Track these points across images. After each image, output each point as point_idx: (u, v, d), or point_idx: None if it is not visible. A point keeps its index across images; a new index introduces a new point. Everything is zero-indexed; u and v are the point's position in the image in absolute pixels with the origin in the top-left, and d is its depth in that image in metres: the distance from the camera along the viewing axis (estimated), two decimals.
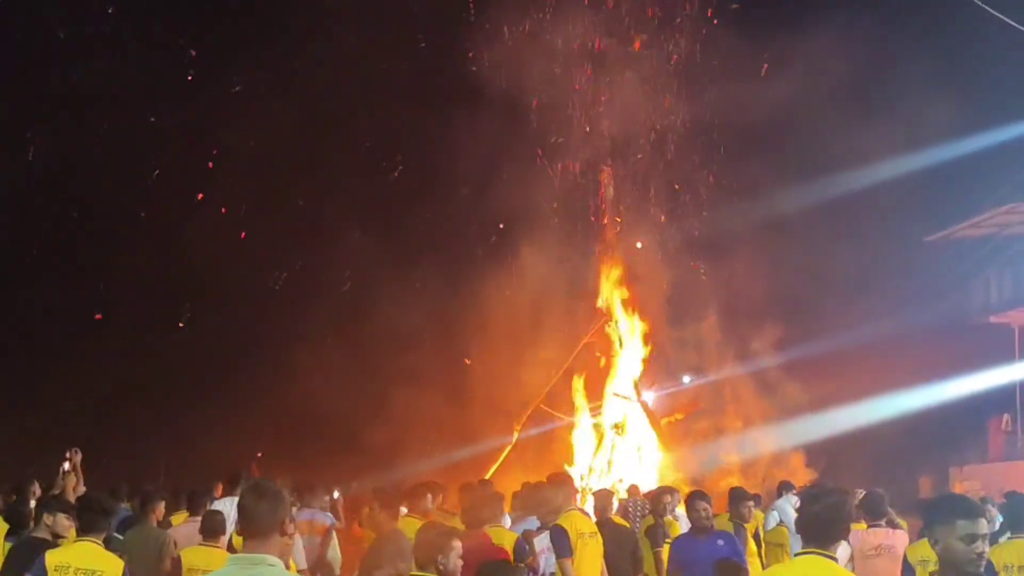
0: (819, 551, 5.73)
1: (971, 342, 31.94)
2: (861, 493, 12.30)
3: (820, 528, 5.82)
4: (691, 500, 11.85)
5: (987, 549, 5.34)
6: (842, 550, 9.67)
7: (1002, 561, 7.46)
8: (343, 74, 30.79)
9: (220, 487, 14.75)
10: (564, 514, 10.86)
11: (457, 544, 7.66)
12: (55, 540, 9.09)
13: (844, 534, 6.06)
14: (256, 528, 5.54)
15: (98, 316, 35.60)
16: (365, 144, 32.36)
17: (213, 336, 33.05)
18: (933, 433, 28.75)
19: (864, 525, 11.90)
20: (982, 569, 5.23)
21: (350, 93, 31.47)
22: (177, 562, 10.50)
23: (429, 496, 12.23)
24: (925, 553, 11.14)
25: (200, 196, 32.91)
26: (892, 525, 11.91)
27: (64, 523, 9.24)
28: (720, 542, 11.22)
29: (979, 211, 30.51)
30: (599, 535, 11.10)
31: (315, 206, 33.02)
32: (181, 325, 33.60)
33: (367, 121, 31.30)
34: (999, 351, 31.92)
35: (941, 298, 32.44)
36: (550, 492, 11.81)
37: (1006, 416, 31.69)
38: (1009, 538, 9.93)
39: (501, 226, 28.69)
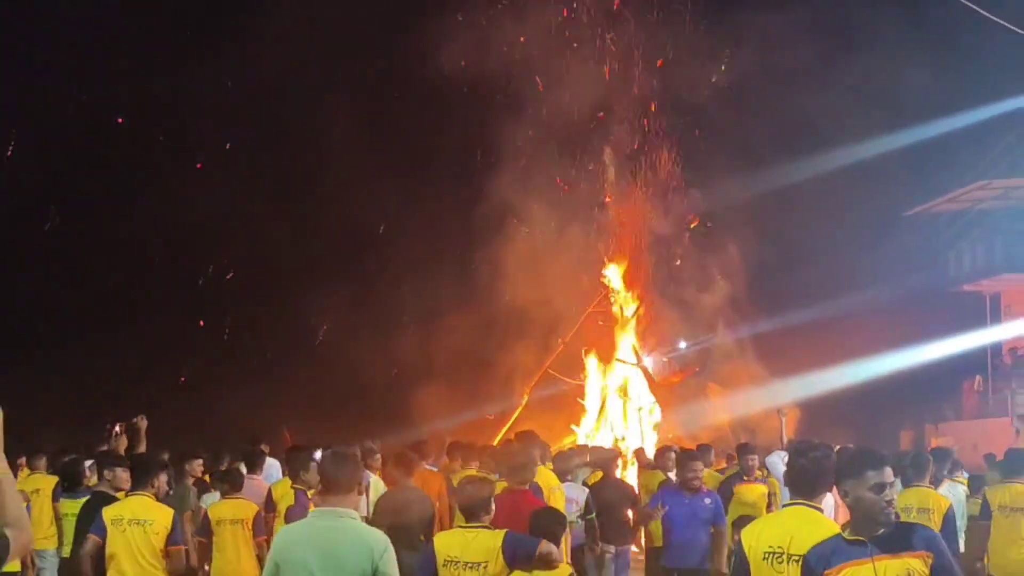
0: (805, 502, 5.84)
1: (946, 309, 31.97)
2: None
3: (806, 481, 5.89)
4: (684, 459, 11.71)
5: (895, 497, 5.29)
6: (827, 501, 9.55)
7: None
8: None
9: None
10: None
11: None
12: (115, 494, 9.07)
13: (828, 487, 5.96)
14: (339, 487, 6.28)
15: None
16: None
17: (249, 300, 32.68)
18: (912, 393, 28.97)
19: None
20: (892, 517, 5.11)
21: None
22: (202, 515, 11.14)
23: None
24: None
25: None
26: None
27: (123, 476, 9.19)
28: (707, 500, 11.02)
29: (955, 187, 30.27)
30: (562, 487, 11.02)
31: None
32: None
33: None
34: (972, 317, 31.85)
35: (919, 268, 32.36)
36: (533, 451, 11.83)
37: (978, 377, 31.51)
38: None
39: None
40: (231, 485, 11.03)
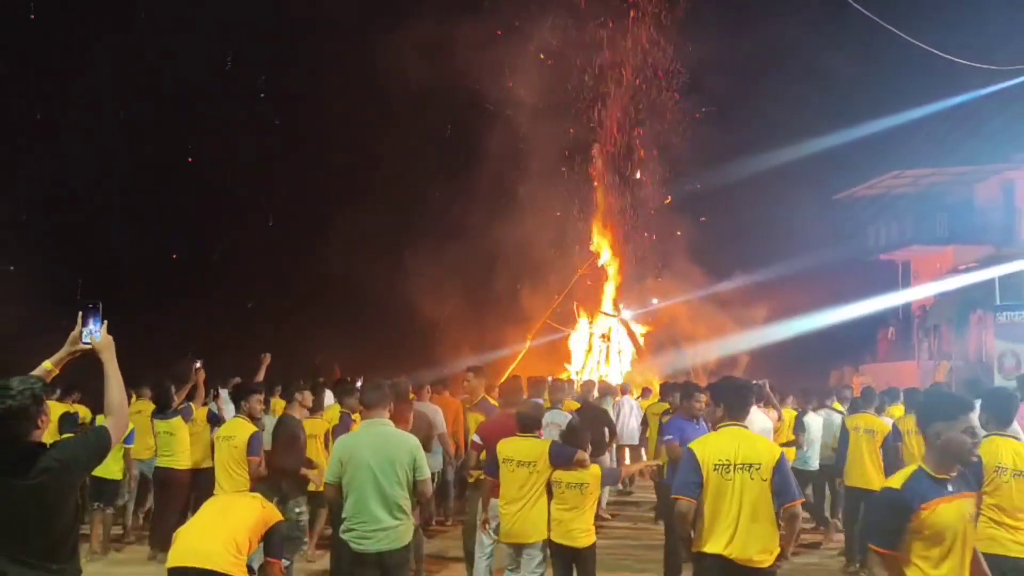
0: (737, 423, 5.90)
1: (867, 274, 32.17)
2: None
3: (737, 406, 5.98)
4: (690, 390, 10.67)
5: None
6: (759, 423, 10.03)
7: None
8: None
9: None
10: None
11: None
12: (255, 420, 8.78)
13: (747, 411, 6.06)
14: (375, 406, 6.78)
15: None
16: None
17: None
18: (839, 341, 28.75)
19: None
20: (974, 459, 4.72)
21: None
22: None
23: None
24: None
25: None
26: (769, 406, 11.93)
27: (257, 405, 8.94)
28: (707, 426, 10.18)
29: (874, 176, 30.32)
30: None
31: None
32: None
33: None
34: (887, 281, 32.08)
35: (845, 241, 32.38)
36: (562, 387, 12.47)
37: (891, 328, 31.80)
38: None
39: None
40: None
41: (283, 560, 6.50)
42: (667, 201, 29.24)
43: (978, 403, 9.21)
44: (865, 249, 32.99)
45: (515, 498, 7.68)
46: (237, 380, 12.40)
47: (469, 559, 9.18)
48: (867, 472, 10.80)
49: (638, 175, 29.00)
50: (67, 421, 11.60)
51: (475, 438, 8.88)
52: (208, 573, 5.93)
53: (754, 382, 13.83)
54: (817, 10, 28.08)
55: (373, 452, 6.56)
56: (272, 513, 6.34)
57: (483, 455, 8.55)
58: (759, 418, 11.01)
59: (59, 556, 4.16)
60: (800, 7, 27.92)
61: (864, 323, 30.11)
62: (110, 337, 4.56)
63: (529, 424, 7.89)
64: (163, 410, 11.47)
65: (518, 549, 7.78)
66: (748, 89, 27.82)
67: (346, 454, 6.58)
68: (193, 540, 6.10)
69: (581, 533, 7.60)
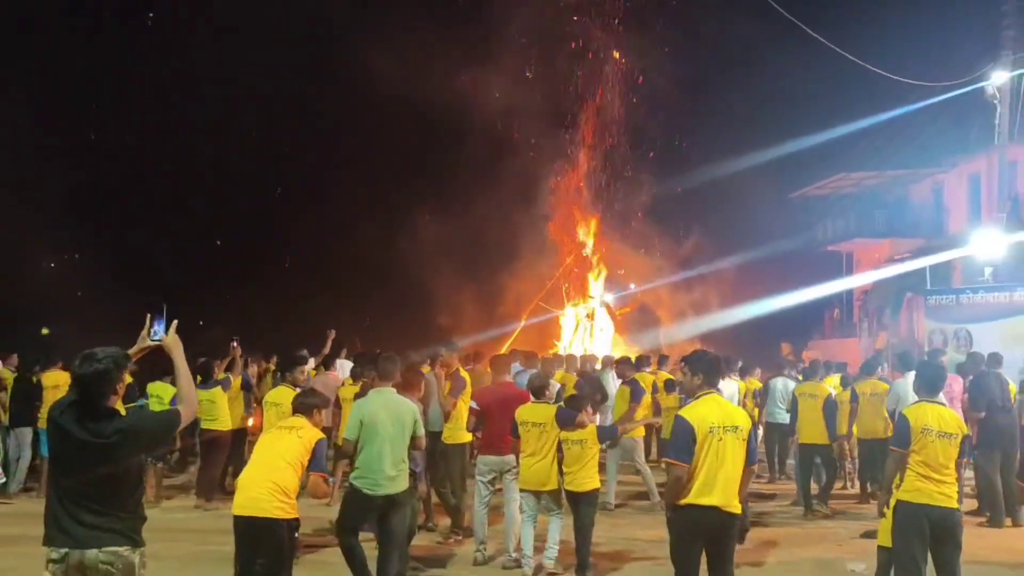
0: (712, 390, 5.85)
1: (816, 263, 32.18)
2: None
3: (714, 374, 5.94)
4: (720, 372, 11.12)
5: None
6: (726, 387, 10.20)
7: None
8: None
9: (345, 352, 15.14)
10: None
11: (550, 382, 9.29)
12: (295, 387, 8.59)
13: (719, 379, 6.16)
14: (386, 377, 7.21)
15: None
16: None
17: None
18: (792, 321, 28.67)
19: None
20: None
21: None
22: None
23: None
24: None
25: None
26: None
27: (299, 375, 9.01)
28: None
29: (823, 178, 30.32)
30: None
31: None
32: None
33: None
34: (833, 268, 32.08)
35: (798, 234, 32.38)
36: (512, 361, 12.44)
37: (836, 310, 32.03)
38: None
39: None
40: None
41: (328, 475, 6.55)
42: (643, 199, 29.18)
43: (912, 373, 9.45)
44: (815, 241, 32.91)
45: (532, 452, 8.10)
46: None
47: (451, 511, 9.68)
48: (815, 430, 11.17)
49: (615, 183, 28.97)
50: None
51: (472, 404, 8.92)
52: (258, 520, 6.00)
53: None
54: (776, 37, 27.98)
55: (387, 415, 6.92)
56: (310, 436, 6.21)
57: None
58: (726, 385, 11.15)
59: (126, 506, 4.24)
60: (761, 36, 27.79)
61: (813, 305, 30.05)
62: (176, 336, 4.59)
63: (538, 392, 8.36)
64: (205, 381, 11.54)
65: (537, 495, 8.15)
66: (713, 104, 27.83)
67: (366, 416, 6.89)
68: (245, 489, 6.14)
69: (585, 480, 8.04)
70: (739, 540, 7.49)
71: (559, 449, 8.11)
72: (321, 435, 6.35)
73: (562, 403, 8.42)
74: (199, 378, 11.90)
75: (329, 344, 12.89)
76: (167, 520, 10.39)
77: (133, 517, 4.24)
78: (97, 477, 4.13)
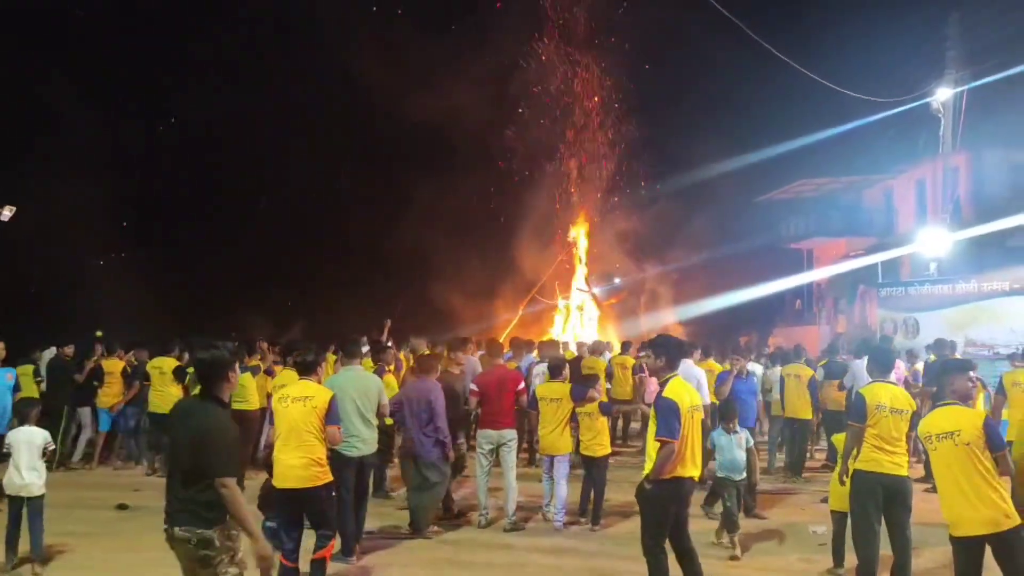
0: (675, 372, 5.84)
1: (780, 259, 32.17)
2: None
3: (674, 357, 5.91)
4: (733, 353, 11.35)
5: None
6: (692, 371, 10.11)
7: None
8: None
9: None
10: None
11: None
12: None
13: (679, 361, 6.04)
14: (353, 356, 7.63)
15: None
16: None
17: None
18: (759, 310, 28.78)
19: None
20: None
21: None
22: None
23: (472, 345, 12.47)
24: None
25: None
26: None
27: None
28: (754, 379, 11.00)
29: (786, 183, 30.20)
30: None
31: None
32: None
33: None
34: (795, 264, 32.08)
35: (763, 233, 32.37)
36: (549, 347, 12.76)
37: (798, 301, 32.01)
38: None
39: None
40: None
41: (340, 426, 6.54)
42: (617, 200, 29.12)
43: (866, 358, 9.39)
44: (779, 240, 32.75)
45: (549, 423, 8.49)
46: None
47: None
48: (800, 406, 11.38)
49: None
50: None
51: (472, 386, 8.87)
52: (299, 491, 6.05)
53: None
54: (744, 57, 27.96)
55: (354, 388, 7.26)
56: (322, 399, 6.25)
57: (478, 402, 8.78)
58: (696, 370, 11.09)
59: (205, 488, 4.14)
60: (732, 56, 27.74)
61: (777, 297, 30.39)
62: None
63: (554, 371, 8.73)
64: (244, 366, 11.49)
65: (552, 460, 8.54)
66: (686, 117, 27.82)
67: (335, 388, 6.90)
68: (283, 463, 6.16)
69: (597, 447, 8.56)
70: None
71: (574, 420, 8.54)
72: (331, 393, 6.37)
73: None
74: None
75: (387, 332, 12.88)
76: None
77: (208, 495, 4.13)
78: (184, 455, 4.19)
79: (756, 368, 13.44)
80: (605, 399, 11.84)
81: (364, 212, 31.45)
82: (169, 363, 11.87)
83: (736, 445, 7.81)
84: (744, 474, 7.79)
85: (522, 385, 8.77)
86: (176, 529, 4.13)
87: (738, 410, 8.37)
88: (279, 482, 6.17)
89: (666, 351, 5.86)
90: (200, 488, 4.11)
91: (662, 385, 5.75)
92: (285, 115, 32.74)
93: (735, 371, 10.59)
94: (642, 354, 13.54)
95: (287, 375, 8.73)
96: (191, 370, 11.99)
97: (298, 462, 6.11)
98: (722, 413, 8.26)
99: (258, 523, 4.86)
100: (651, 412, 5.70)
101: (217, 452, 4.12)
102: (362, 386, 7.34)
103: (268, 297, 29.83)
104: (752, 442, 8.03)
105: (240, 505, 4.10)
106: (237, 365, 4.40)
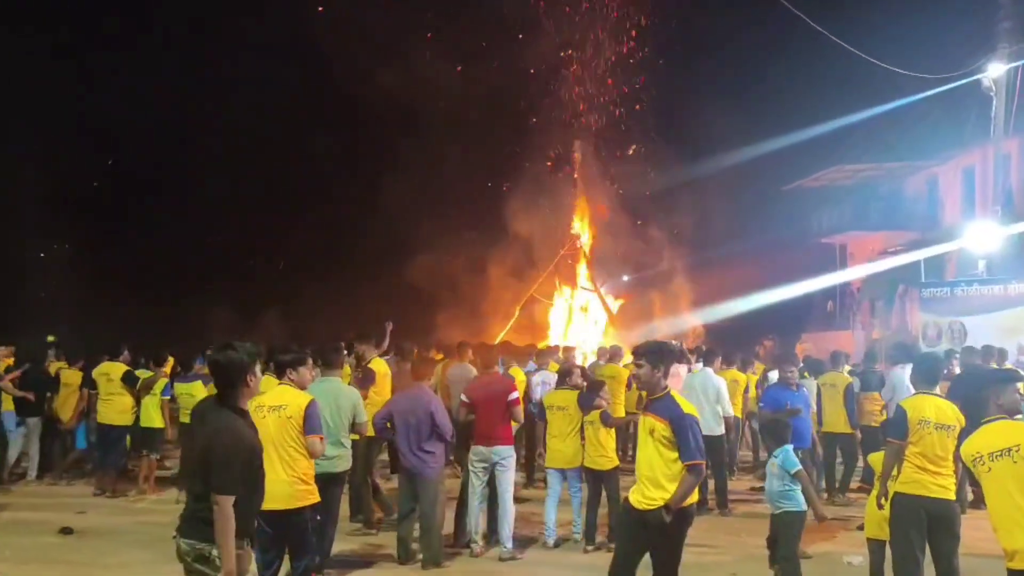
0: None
1: (810, 255, 32.30)
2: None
3: (667, 369, 5.77)
4: (782, 362, 11.17)
5: None
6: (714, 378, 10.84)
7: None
8: None
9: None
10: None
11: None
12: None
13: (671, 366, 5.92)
14: (333, 365, 7.89)
15: None
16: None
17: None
18: (785, 313, 28.73)
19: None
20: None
21: None
22: None
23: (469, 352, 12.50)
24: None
25: None
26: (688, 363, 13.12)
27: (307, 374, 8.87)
28: (804, 391, 10.53)
29: (818, 170, 30.29)
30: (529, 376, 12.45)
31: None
32: None
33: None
34: (827, 261, 32.18)
35: (792, 226, 32.47)
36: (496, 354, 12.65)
37: (830, 302, 31.98)
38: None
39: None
40: None
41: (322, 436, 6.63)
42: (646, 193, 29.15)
43: (910, 365, 9.39)
44: (808, 234, 33.05)
45: (557, 434, 8.83)
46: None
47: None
48: (836, 419, 11.42)
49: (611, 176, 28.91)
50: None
51: (463, 397, 8.86)
52: (281, 514, 5.99)
53: (674, 342, 14.31)
54: (770, 26, 28.07)
55: (326, 401, 7.19)
56: (296, 406, 6.27)
57: (471, 413, 8.69)
58: (716, 380, 11.11)
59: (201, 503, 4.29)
60: (756, 25, 27.85)
61: (806, 298, 30.06)
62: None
63: (562, 377, 9.21)
64: (184, 374, 11.69)
65: (561, 473, 8.85)
66: (707, 95, 27.75)
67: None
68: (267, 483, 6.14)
69: (603, 459, 8.73)
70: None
71: (582, 432, 8.79)
72: (308, 398, 6.36)
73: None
74: (178, 369, 12.03)
75: (388, 336, 12.98)
76: (160, 511, 10.37)
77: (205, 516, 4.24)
78: (195, 463, 4.35)
79: (774, 376, 13.58)
80: (622, 410, 11.91)
81: (336, 193, 31.71)
82: (117, 368, 11.88)
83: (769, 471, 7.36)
84: (780, 507, 7.13)
85: (515, 394, 8.72)
86: (181, 541, 4.27)
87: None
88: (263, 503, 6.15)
89: (663, 360, 5.71)
90: (207, 499, 4.20)
91: (670, 399, 5.56)
92: (241, 94, 32.76)
93: (791, 381, 10.32)
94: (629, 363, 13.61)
95: (266, 381, 8.66)
96: (142, 375, 12.10)
97: (285, 478, 6.09)
98: (773, 431, 7.61)
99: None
100: (661, 428, 5.44)
101: (220, 465, 4.19)
102: (335, 400, 7.44)
103: (233, 292, 29.85)
104: (795, 466, 7.10)
105: (224, 526, 4.14)
106: (258, 368, 4.42)
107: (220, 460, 4.20)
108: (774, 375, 13.46)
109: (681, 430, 5.42)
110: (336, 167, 32.55)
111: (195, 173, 32.95)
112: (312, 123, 32.44)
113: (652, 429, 5.49)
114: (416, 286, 26.35)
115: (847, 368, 12.75)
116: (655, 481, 5.45)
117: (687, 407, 5.57)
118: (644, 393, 5.81)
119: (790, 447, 7.20)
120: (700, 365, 13.53)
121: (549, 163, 28.31)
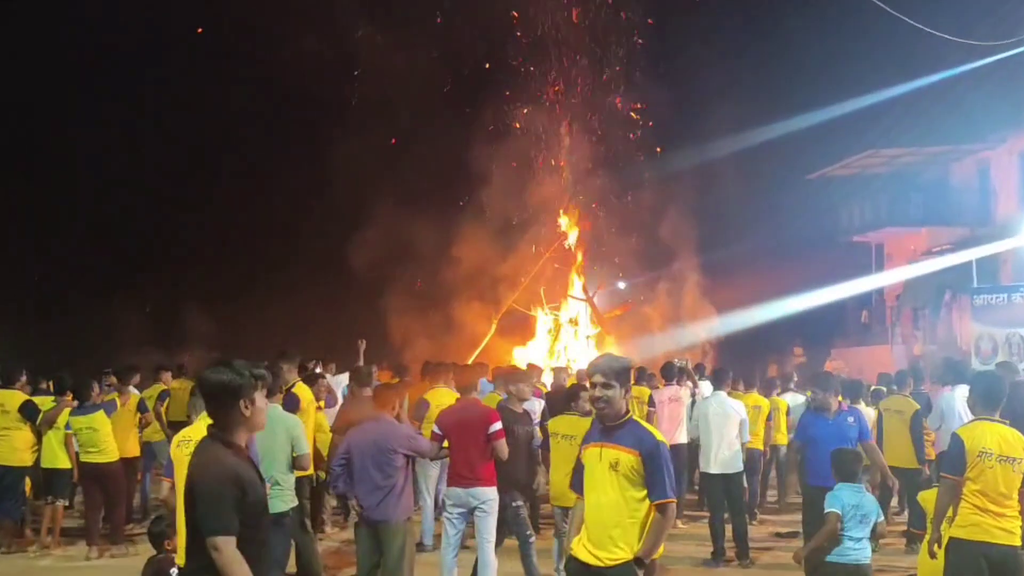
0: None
1: (839, 256, 32.37)
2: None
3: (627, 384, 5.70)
4: (815, 384, 10.36)
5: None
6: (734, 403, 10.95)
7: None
8: None
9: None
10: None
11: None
12: None
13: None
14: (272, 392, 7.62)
15: None
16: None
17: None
18: (810, 325, 28.81)
19: (663, 384, 13.79)
20: None
21: None
22: None
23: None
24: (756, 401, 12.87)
25: None
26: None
27: None
28: (850, 419, 9.32)
29: (848, 155, 30.46)
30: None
31: None
32: None
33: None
34: (860, 263, 32.34)
35: (817, 222, 32.66)
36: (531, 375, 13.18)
37: (864, 312, 32.15)
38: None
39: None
40: None
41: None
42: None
43: (963, 387, 9.45)
44: (838, 230, 33.26)
45: (563, 465, 8.56)
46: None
47: None
48: (901, 452, 11.29)
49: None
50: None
51: (435, 428, 8.82)
52: None
53: (676, 361, 14.45)
54: None
55: (273, 423, 7.20)
56: None
57: (445, 444, 8.65)
58: (732, 404, 11.16)
59: (196, 543, 4.19)
60: None
61: (836, 307, 30.23)
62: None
63: (570, 400, 9.27)
64: (82, 405, 11.49)
65: (566, 512, 8.56)
66: (715, 64, 27.80)
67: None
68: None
69: None
70: None
71: None
72: None
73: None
74: (76, 402, 11.82)
75: (361, 355, 12.91)
76: (66, 571, 10.21)
77: (200, 557, 4.16)
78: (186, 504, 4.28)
79: (790, 400, 13.71)
80: None
81: (281, 178, 31.54)
82: (14, 398, 11.75)
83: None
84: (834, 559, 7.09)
85: (497, 425, 8.67)
86: None
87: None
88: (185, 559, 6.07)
89: (628, 380, 5.72)
90: (205, 553, 4.09)
91: (637, 425, 5.53)
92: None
93: (825, 406, 9.49)
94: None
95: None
96: (45, 404, 11.97)
97: None
98: (842, 466, 7.37)
99: None
100: (630, 461, 5.38)
101: (207, 502, 4.10)
102: (272, 430, 7.31)
103: (149, 296, 29.69)
104: (829, 507, 7.11)
105: (238, 570, 4.05)
106: (260, 394, 4.32)
107: (206, 496, 4.10)
108: (796, 400, 13.65)
109: (656, 463, 5.33)
110: (258, 130, 32.42)
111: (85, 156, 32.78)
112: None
113: (615, 462, 5.37)
114: (370, 290, 26.31)
115: (910, 390, 12.58)
116: (618, 527, 5.34)
117: (658, 434, 5.55)
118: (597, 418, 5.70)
119: (847, 485, 7.19)
120: (707, 387, 13.71)
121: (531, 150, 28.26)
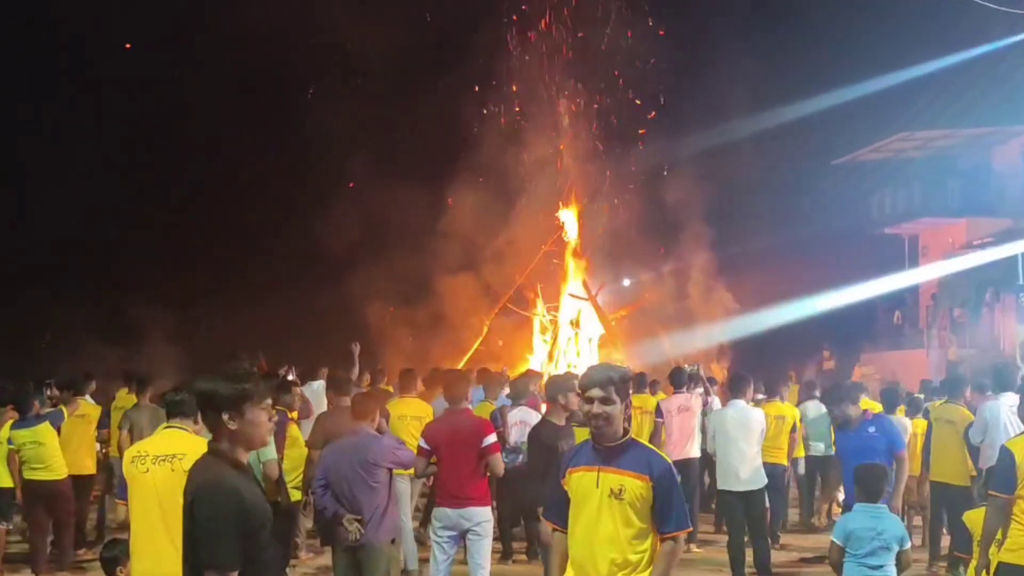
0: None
1: (869, 250, 32.54)
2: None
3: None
4: (833, 397, 10.57)
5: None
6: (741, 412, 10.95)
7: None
8: None
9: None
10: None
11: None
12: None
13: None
14: None
15: None
16: None
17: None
18: (836, 326, 28.93)
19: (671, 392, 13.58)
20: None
21: None
22: None
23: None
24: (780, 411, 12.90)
25: None
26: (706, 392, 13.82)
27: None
28: (871, 429, 9.29)
29: (879, 138, 30.45)
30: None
31: None
32: None
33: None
34: (892, 257, 32.53)
35: (845, 212, 32.62)
36: (528, 381, 13.06)
37: (897, 312, 32.11)
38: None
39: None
40: None
41: None
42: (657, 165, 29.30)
43: (1009, 395, 9.40)
44: (868, 221, 33.26)
45: None
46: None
47: None
48: (951, 467, 11.24)
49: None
50: None
51: (422, 443, 8.76)
52: None
53: (687, 366, 14.52)
54: None
55: None
56: (197, 454, 6.30)
57: (432, 459, 8.64)
58: (755, 414, 11.11)
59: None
60: None
61: (865, 306, 30.37)
62: None
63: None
64: (23, 418, 11.40)
65: None
66: (733, 38, 27.80)
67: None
68: (142, 563, 5.97)
69: None
70: None
71: None
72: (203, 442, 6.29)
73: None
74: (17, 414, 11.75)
75: (356, 361, 12.94)
76: None
77: None
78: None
79: (813, 412, 13.75)
80: None
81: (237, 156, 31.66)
82: None
83: None
84: None
85: (492, 438, 8.66)
86: None
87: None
88: None
89: (629, 392, 5.59)
90: None
91: (642, 447, 5.41)
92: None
93: (850, 418, 9.43)
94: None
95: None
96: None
97: (173, 553, 5.84)
98: (866, 484, 7.34)
99: None
100: (637, 488, 5.20)
101: (206, 529, 4.03)
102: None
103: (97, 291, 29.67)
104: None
105: None
106: (259, 404, 4.23)
107: (208, 526, 4.03)
108: (811, 408, 13.65)
109: (667, 490, 5.19)
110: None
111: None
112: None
113: (620, 489, 5.15)
114: (345, 287, 26.34)
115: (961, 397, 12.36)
116: (622, 562, 5.15)
117: (665, 456, 5.45)
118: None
119: (864, 507, 7.21)
120: (716, 403, 13.68)
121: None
